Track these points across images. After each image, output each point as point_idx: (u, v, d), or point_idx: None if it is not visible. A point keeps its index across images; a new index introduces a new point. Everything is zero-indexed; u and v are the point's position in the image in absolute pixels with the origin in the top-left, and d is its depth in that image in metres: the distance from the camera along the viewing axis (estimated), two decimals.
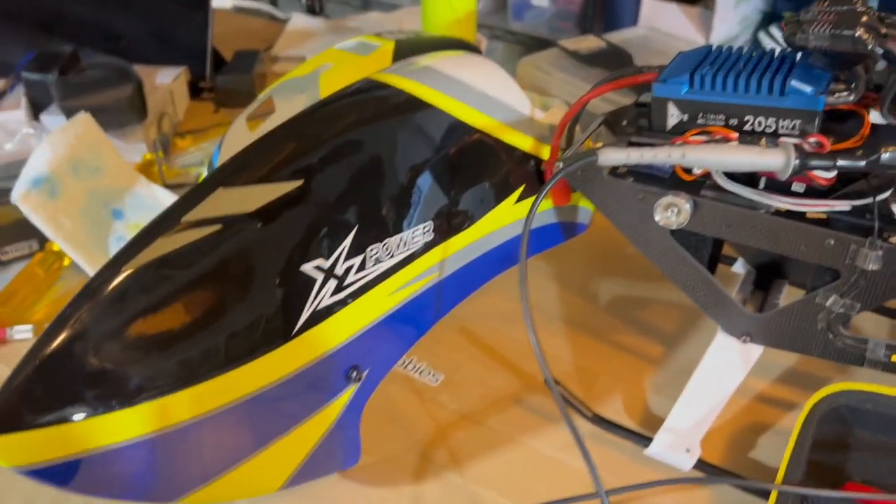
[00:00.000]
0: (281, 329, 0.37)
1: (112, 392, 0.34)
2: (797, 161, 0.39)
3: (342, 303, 0.40)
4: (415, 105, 0.46)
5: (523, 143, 0.52)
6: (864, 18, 0.40)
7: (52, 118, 0.75)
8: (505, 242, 0.51)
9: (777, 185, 0.44)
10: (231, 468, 0.39)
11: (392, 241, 0.42)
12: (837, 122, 0.44)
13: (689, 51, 0.48)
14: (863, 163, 0.39)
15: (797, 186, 0.44)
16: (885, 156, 0.39)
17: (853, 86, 0.42)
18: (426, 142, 0.46)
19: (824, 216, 0.44)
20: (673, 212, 0.45)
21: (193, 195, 0.37)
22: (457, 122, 0.48)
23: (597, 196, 0.48)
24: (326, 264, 0.39)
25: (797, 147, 0.39)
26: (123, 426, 0.35)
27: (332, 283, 0.39)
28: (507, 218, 0.50)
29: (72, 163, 0.60)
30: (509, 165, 0.51)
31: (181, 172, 0.76)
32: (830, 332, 0.45)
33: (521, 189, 0.51)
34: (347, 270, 0.40)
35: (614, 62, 0.76)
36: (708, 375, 0.48)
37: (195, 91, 0.90)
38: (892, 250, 0.41)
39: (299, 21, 1.05)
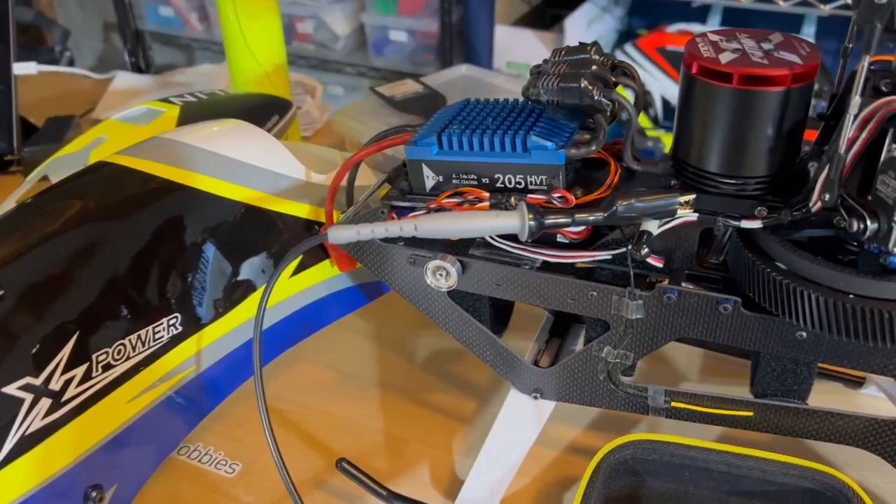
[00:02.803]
0: None
1: None
2: (533, 222, 0.38)
3: (62, 421, 0.36)
4: (155, 187, 0.43)
5: (298, 210, 0.49)
6: (594, 68, 0.40)
7: None
8: (282, 320, 0.48)
9: (544, 238, 0.43)
10: None
11: (127, 341, 0.39)
12: (596, 170, 0.44)
13: (446, 107, 0.46)
14: (602, 216, 0.38)
15: (563, 237, 0.43)
16: (620, 209, 0.38)
17: (596, 136, 0.41)
18: (168, 226, 0.43)
19: (591, 266, 0.43)
20: (441, 275, 0.44)
21: None
22: (209, 200, 0.45)
23: (370, 262, 0.46)
24: (37, 381, 0.35)
25: (533, 207, 0.38)
26: None
27: (46, 402, 0.35)
28: (281, 294, 0.48)
29: None
30: (285, 236, 0.49)
31: None
32: (612, 382, 0.44)
33: (297, 261, 0.49)
34: (67, 384, 0.36)
35: (430, 106, 0.75)
36: (501, 438, 0.47)
37: (2, 165, 0.84)
38: (651, 298, 0.40)
39: (124, 80, 1.00)
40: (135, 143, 0.47)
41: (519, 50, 1.55)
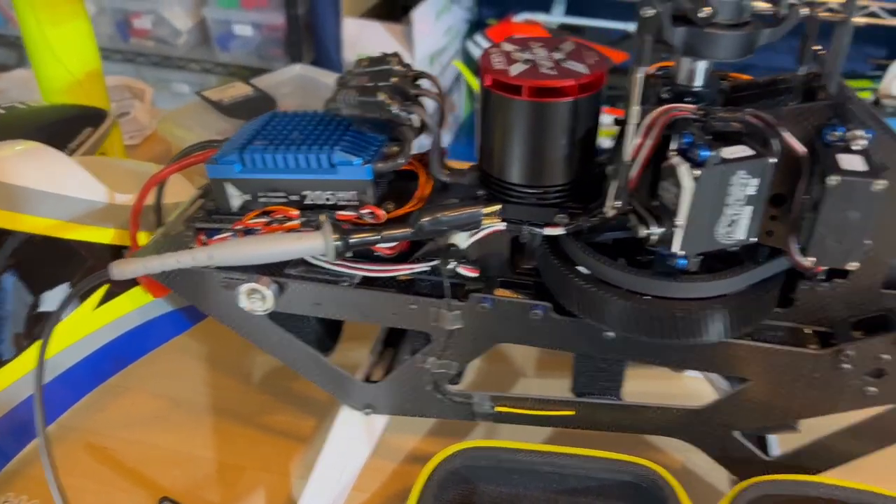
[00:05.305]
0: None
1: None
2: (338, 242, 0.36)
3: None
4: None
5: (101, 236, 0.46)
6: (394, 80, 0.39)
7: None
8: (89, 356, 0.45)
9: (364, 252, 0.42)
10: None
11: None
12: (411, 181, 0.43)
13: (251, 121, 0.44)
14: (409, 232, 0.38)
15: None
16: (427, 223, 0.37)
17: (403, 149, 0.41)
18: None
19: (412, 279, 0.43)
20: (257, 298, 0.42)
21: None
22: None
23: (180, 288, 0.44)
24: None
25: (337, 226, 0.37)
26: None
27: None
28: (87, 327, 0.44)
29: None
30: (89, 264, 0.45)
31: None
32: (438, 392, 0.44)
33: (104, 289, 0.45)
34: None
35: (260, 110, 0.72)
36: (333, 459, 0.46)
37: None
38: (467, 308, 0.40)
39: None
40: None
41: (369, 43, 1.53)
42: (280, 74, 0.81)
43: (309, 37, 1.58)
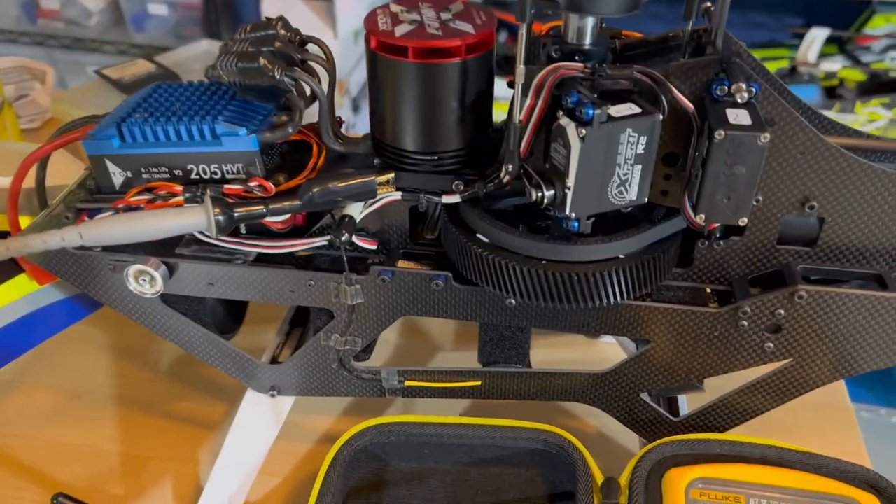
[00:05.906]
0: None
1: None
2: (221, 216, 0.35)
3: None
4: None
5: None
6: (277, 45, 0.37)
7: None
8: None
9: (258, 228, 0.40)
10: None
11: None
12: (306, 153, 0.41)
13: (133, 95, 0.42)
14: (298, 204, 0.36)
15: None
16: (316, 194, 0.36)
17: (292, 117, 0.39)
18: None
19: (311, 254, 0.41)
20: (145, 280, 0.40)
21: None
22: None
23: (66, 273, 0.41)
24: None
25: (219, 200, 0.35)
26: None
27: None
28: None
29: None
30: None
31: None
32: (345, 369, 0.43)
33: None
34: None
35: None
36: (239, 443, 0.44)
37: None
38: (368, 281, 0.39)
39: None
40: None
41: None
42: (186, 51, 0.77)
43: (227, 14, 1.53)
